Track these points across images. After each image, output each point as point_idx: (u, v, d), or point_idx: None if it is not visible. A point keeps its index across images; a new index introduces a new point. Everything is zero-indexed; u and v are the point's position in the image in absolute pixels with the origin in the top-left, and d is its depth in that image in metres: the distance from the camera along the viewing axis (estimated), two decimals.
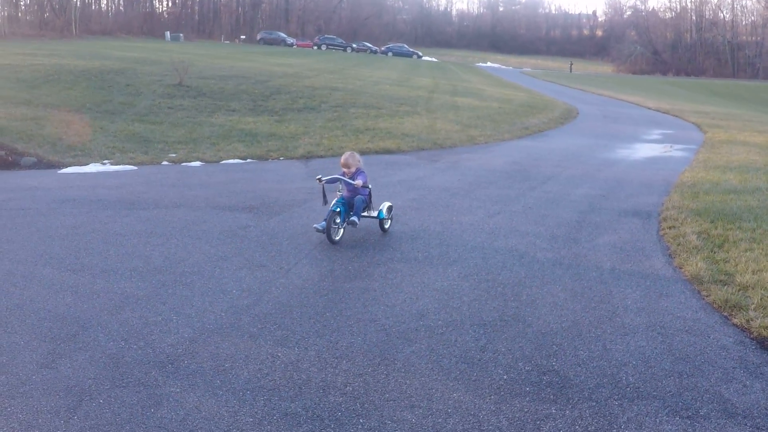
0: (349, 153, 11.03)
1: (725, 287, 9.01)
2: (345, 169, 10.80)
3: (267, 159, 18.32)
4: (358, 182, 10.59)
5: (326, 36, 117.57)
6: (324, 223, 10.22)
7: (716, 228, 11.94)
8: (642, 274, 9.66)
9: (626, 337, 7.45)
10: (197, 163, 17.37)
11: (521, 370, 6.57)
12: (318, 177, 10.78)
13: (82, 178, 15.19)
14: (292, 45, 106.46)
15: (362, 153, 19.02)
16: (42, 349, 6.61)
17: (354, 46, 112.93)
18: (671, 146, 26.00)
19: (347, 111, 28.97)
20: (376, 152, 20.23)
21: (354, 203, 10.66)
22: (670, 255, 10.71)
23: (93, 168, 16.34)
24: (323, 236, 10.33)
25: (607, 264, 10.06)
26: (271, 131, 22.77)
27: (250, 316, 7.53)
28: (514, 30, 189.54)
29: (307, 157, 18.77)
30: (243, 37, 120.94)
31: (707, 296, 8.80)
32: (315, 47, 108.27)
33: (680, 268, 10.01)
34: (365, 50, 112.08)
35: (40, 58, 39.64)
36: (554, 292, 8.77)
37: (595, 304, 8.38)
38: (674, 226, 12.27)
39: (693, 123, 36.91)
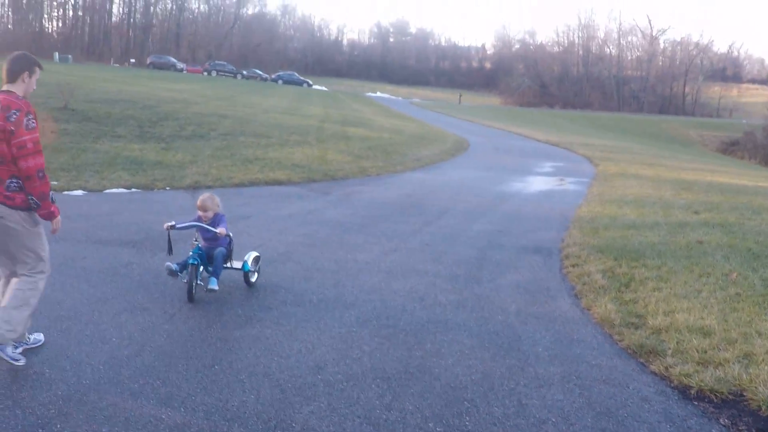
0: (207, 195, 9.36)
1: (638, 331, 8.62)
2: (201, 213, 9.20)
3: (153, 189, 17.47)
4: (222, 230, 9.02)
5: (217, 62, 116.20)
6: (176, 265, 8.88)
7: (620, 266, 11.63)
8: (549, 317, 9.22)
9: (542, 389, 6.93)
10: (80, 192, 16.48)
11: (432, 431, 5.99)
12: (168, 224, 9.09)
13: None
14: (182, 70, 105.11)
15: (252, 184, 18.62)
16: None
17: (244, 73, 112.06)
18: (564, 179, 26.02)
19: (236, 139, 28.19)
20: (266, 183, 19.58)
21: (213, 256, 9.12)
22: (576, 295, 10.34)
23: None
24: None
25: (512, 306, 9.61)
26: (157, 159, 21.89)
27: (131, 369, 6.79)
28: (404, 60, 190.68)
29: (195, 187, 17.98)
30: (133, 60, 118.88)
31: (620, 341, 8.39)
32: (205, 73, 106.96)
33: (588, 309, 9.63)
34: (256, 77, 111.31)
35: None
36: (460, 338, 8.23)
37: (505, 352, 7.87)
38: (577, 264, 11.96)
39: (583, 155, 37.24)
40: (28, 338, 7.06)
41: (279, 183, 19.88)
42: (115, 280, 9.59)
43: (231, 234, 9.46)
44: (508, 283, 10.80)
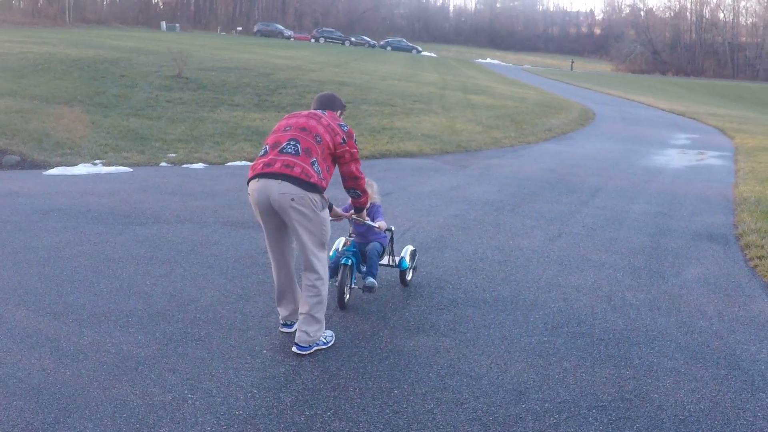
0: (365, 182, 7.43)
1: None
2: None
3: None
4: (381, 224, 7.73)
5: (324, 29, 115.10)
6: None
7: None
8: (756, 323, 7.79)
9: None
10: (200, 165, 15.48)
11: None
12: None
13: (71, 181, 13.26)
14: (290, 37, 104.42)
15: (382, 156, 17.38)
16: None
17: (352, 39, 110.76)
18: (704, 153, 24.21)
19: (359, 108, 27.06)
20: (397, 155, 18.37)
21: (367, 253, 7.69)
22: None
23: (83, 169, 14.41)
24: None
25: (709, 308, 8.18)
26: None
27: (291, 393, 5.53)
28: (512, 26, 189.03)
29: None
30: (239, 28, 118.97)
31: None
32: (313, 40, 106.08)
33: None
34: (363, 44, 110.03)
35: (30, 46, 37.60)
36: (667, 351, 6.82)
37: (725, 372, 6.43)
38: (763, 256, 10.47)
39: (713, 126, 35.18)
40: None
41: (411, 155, 18.62)
42: (255, 272, 8.40)
43: (393, 228, 8.21)
44: (694, 277, 9.35)
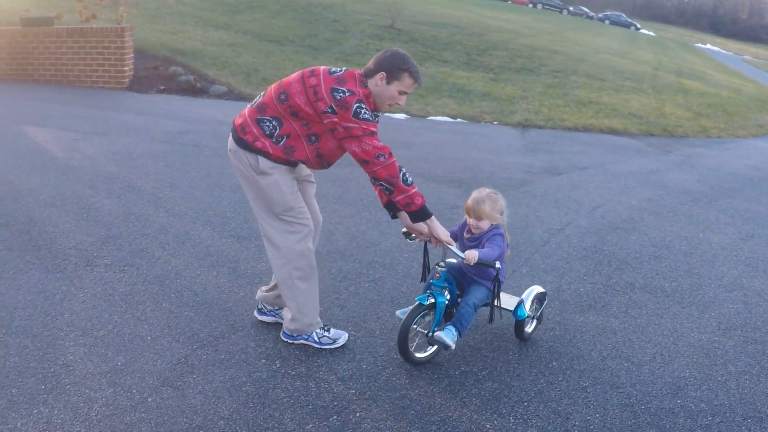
0: (486, 193, 5.48)
1: None
2: (471, 221, 5.49)
3: (479, 121, 16.33)
4: (470, 255, 5.11)
5: None
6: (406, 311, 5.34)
7: None
8: None
9: None
10: (401, 116, 15.63)
11: None
12: (409, 234, 5.48)
13: None
14: (507, 0, 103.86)
15: (585, 129, 17.04)
16: (171, 352, 4.96)
17: (571, 9, 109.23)
18: None
19: (568, 78, 26.63)
20: (601, 130, 17.95)
21: (467, 293, 5.48)
22: None
23: None
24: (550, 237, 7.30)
25: None
26: (485, 90, 20.75)
27: (466, 352, 5.56)
28: (736, 14, 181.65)
29: (524, 125, 16.68)
30: None
31: None
32: (530, 5, 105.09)
33: None
34: (581, 15, 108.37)
35: None
36: None
37: None
38: None
39: None
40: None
41: (615, 132, 18.17)
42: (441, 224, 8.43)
43: (499, 265, 5.23)
44: None
